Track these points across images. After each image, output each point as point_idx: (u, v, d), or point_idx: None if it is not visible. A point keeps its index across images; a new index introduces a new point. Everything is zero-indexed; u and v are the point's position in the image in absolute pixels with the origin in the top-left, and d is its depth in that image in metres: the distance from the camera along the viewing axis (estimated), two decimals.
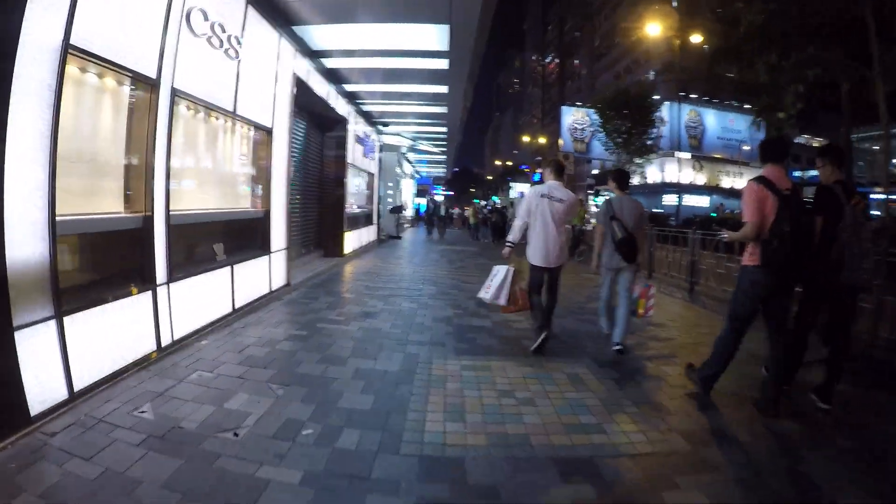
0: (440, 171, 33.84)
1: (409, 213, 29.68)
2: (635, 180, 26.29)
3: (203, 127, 4.82)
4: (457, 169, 67.25)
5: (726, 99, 37.41)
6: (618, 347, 4.52)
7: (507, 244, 4.73)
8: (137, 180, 3.73)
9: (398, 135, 16.11)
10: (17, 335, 2.61)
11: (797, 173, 38.15)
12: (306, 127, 9.57)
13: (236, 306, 5.23)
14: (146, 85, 3.73)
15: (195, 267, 4.58)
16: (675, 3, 37.37)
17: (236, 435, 2.69)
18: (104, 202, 3.49)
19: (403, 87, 10.05)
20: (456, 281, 8.64)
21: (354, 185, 12.39)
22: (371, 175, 14.49)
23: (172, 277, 4.04)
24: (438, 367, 3.95)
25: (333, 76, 9.07)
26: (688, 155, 38.75)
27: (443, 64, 8.27)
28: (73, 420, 2.79)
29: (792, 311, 3.47)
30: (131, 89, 3.67)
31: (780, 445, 2.89)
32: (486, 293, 4.66)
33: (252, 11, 5.40)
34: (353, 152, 11.62)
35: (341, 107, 10.26)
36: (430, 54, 7.82)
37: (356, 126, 11.86)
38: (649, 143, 25.37)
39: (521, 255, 4.83)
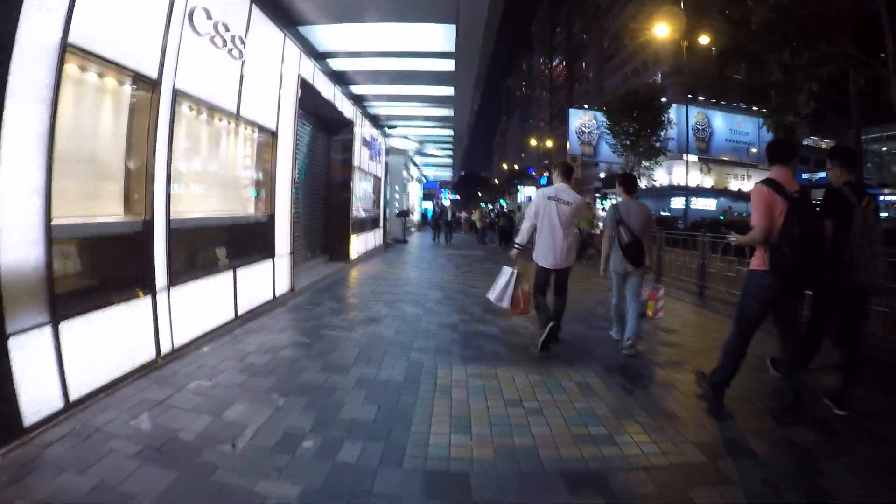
0: (447, 174, 33.77)
1: (415, 217, 29.64)
2: (643, 183, 26.10)
3: (205, 128, 4.75)
4: (463, 173, 67.13)
5: (734, 101, 37.20)
6: (628, 342, 4.53)
7: (515, 246, 4.80)
8: (137, 183, 3.65)
9: (405, 138, 16.07)
10: (11, 342, 2.54)
11: (805, 175, 37.90)
12: (312, 130, 9.52)
13: (239, 312, 5.15)
14: (147, 85, 3.66)
15: (196, 272, 4.50)
16: (682, 5, 37.29)
17: (234, 447, 2.60)
18: (103, 205, 3.42)
19: (410, 89, 10.01)
20: (462, 286, 8.53)
21: (361, 188, 12.33)
22: (378, 179, 14.43)
23: (173, 283, 3.96)
24: (444, 376, 3.84)
25: (339, 78, 9.02)
26: (695, 158, 38.51)
27: (449, 65, 8.21)
28: (69, 430, 2.71)
29: (802, 315, 3.37)
30: (132, 89, 3.60)
31: (797, 456, 2.78)
32: (492, 294, 4.76)
33: (256, 11, 5.34)
34: (360, 155, 11.56)
35: (348, 109, 10.21)
36: (437, 55, 7.76)
37: (363, 129, 11.81)
38: (658, 145, 25.25)
39: (529, 259, 4.79)
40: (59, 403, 2.84)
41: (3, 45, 2.48)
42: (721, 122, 39.76)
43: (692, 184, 38.18)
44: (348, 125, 10.61)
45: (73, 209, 3.09)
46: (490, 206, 43.66)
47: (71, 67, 3.01)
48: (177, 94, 3.95)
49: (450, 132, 15.14)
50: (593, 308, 6.79)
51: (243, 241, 5.60)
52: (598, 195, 39.28)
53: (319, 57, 7.75)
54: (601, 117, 29.02)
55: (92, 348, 3.12)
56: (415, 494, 2.27)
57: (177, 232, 4.04)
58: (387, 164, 16.39)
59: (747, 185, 38.05)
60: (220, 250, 5.02)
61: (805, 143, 37.96)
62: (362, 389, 3.49)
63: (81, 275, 3.28)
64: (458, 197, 62.82)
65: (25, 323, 2.63)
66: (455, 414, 3.14)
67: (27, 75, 2.61)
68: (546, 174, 41.20)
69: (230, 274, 5.02)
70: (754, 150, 38.62)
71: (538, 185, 45.64)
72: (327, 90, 8.62)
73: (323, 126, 10.12)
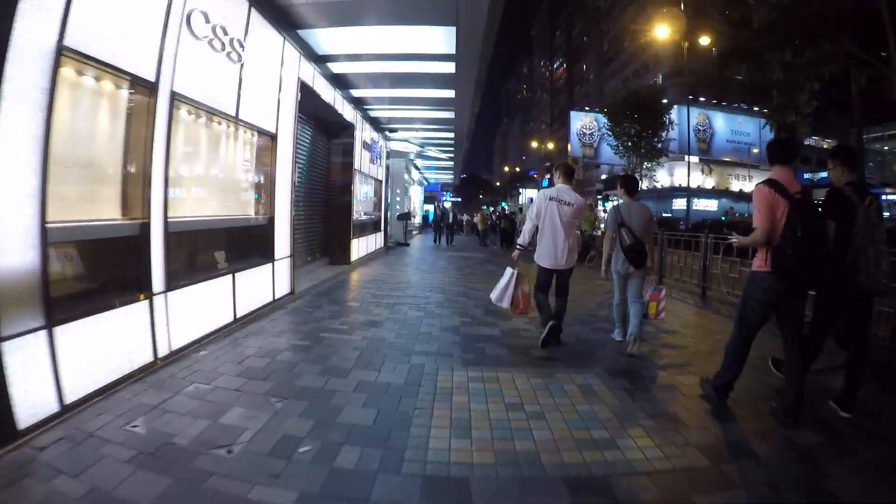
0: (448, 177, 33.77)
1: (417, 219, 29.63)
2: (645, 184, 26.09)
3: (204, 131, 4.72)
4: (465, 175, 67.19)
5: (735, 102, 37.19)
6: (631, 338, 4.56)
7: (517, 247, 4.84)
8: (134, 186, 3.63)
9: (406, 141, 16.04)
10: (5, 345, 2.52)
11: (807, 175, 37.82)
12: (313, 133, 9.51)
13: (238, 315, 5.11)
14: (144, 88, 3.64)
15: (195, 275, 4.48)
16: (682, 6, 37.33)
17: (230, 452, 2.56)
18: (99, 208, 3.39)
19: (410, 91, 9.97)
20: (463, 288, 8.49)
21: (362, 191, 12.31)
22: (379, 182, 14.41)
23: (170, 286, 3.93)
24: (444, 379, 3.79)
25: (340, 81, 9.00)
26: (696, 159, 38.47)
27: (450, 68, 8.18)
28: (64, 434, 2.69)
29: (804, 316, 3.33)
30: (129, 92, 3.57)
31: (803, 459, 2.73)
32: (493, 294, 4.83)
33: (255, 14, 5.32)
34: (361, 159, 11.54)
35: (348, 112, 10.19)
36: (437, 57, 7.73)
37: (363, 132, 11.79)
38: (659, 146, 25.24)
39: (530, 261, 4.79)
40: (54, 407, 2.82)
41: None
42: (722, 123, 39.74)
43: (693, 185, 38.19)
44: (349, 128, 10.59)
45: (69, 212, 3.07)
46: (492, 209, 43.64)
47: (67, 70, 2.98)
48: (174, 97, 3.92)
49: (451, 135, 15.10)
50: (595, 310, 6.75)
51: (243, 244, 5.57)
52: (599, 197, 39.28)
53: (319, 60, 7.73)
54: (602, 119, 29.06)
55: (88, 352, 3.09)
56: (414, 500, 2.22)
57: (175, 235, 4.01)
58: (388, 167, 16.37)
59: (749, 186, 37.99)
60: (219, 253, 5.00)
61: (806, 142, 37.91)
62: (362, 393, 3.44)
63: (78, 278, 3.25)
64: (459, 199, 62.85)
65: (20, 327, 2.61)
66: (455, 418, 3.10)
67: (22, 78, 2.59)
68: (547, 176, 41.22)
69: (229, 277, 4.99)
70: (755, 150, 38.56)
71: (539, 188, 45.64)
72: (327, 93, 8.60)
73: (323, 129, 10.10)
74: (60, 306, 2.91)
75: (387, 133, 14.54)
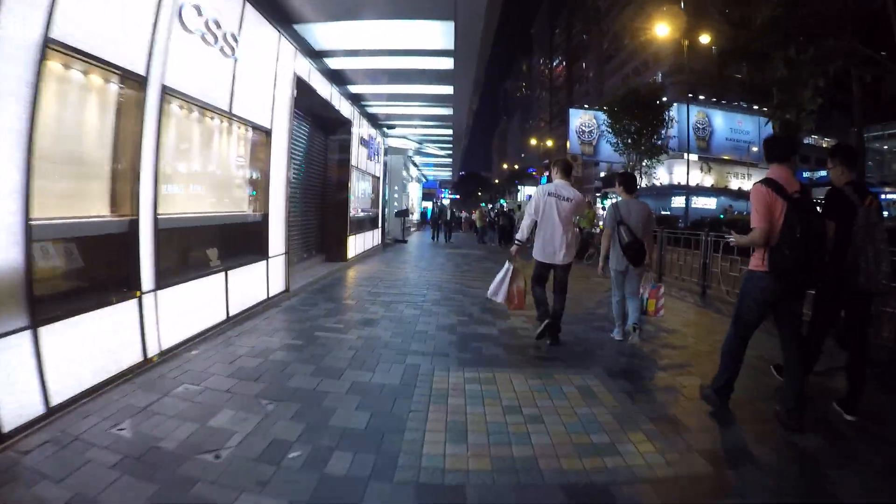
0: (447, 174, 33.67)
1: (415, 216, 29.56)
2: (644, 182, 26.08)
3: (196, 126, 4.63)
4: (463, 172, 67.13)
5: (735, 100, 37.14)
6: (632, 327, 4.68)
7: (516, 242, 4.88)
8: (123, 182, 3.53)
9: (404, 137, 15.95)
10: None
11: (806, 174, 37.81)
12: (309, 129, 9.40)
13: (230, 314, 5.03)
14: (134, 82, 3.54)
15: (186, 273, 4.38)
16: (682, 5, 37.24)
17: (218, 457, 2.48)
18: (87, 205, 3.29)
19: (408, 88, 9.88)
20: (460, 285, 8.42)
21: (359, 188, 12.21)
22: (376, 178, 14.31)
23: (160, 284, 3.83)
24: (440, 380, 3.71)
25: (337, 77, 8.90)
26: (696, 156, 38.44)
27: (448, 63, 8.09)
28: (49, 437, 2.60)
29: (802, 316, 3.27)
30: (118, 86, 3.47)
31: (807, 464, 2.67)
32: (490, 289, 4.88)
33: (250, 8, 5.22)
34: (358, 155, 11.44)
35: (345, 108, 10.09)
36: (436, 53, 7.64)
37: (361, 128, 11.69)
38: (659, 143, 25.24)
39: (528, 257, 4.80)
40: (39, 409, 2.73)
41: None
42: (721, 121, 39.71)
43: (693, 183, 38.15)
44: (346, 124, 10.48)
45: (55, 209, 2.98)
46: (490, 206, 43.59)
47: (53, 64, 2.90)
48: (165, 92, 3.82)
49: (449, 131, 15.01)
50: (594, 308, 6.68)
51: (236, 240, 5.47)
52: (598, 194, 39.25)
53: (316, 55, 7.63)
54: (602, 117, 29.02)
55: (74, 352, 3.00)
56: None
57: (165, 232, 3.92)
58: (385, 164, 16.27)
59: (748, 184, 37.96)
60: (212, 250, 4.91)
61: (806, 141, 37.88)
62: (355, 395, 3.36)
63: (64, 276, 3.17)
64: (457, 196, 62.82)
65: (3, 327, 2.52)
66: (451, 421, 3.02)
67: (6, 71, 2.51)
68: (546, 174, 41.15)
69: (222, 274, 4.89)
70: (755, 148, 38.57)
71: (538, 185, 45.62)
72: (324, 89, 8.50)
73: (320, 125, 9.99)
74: (45, 305, 2.82)
75: (385, 129, 14.43)
